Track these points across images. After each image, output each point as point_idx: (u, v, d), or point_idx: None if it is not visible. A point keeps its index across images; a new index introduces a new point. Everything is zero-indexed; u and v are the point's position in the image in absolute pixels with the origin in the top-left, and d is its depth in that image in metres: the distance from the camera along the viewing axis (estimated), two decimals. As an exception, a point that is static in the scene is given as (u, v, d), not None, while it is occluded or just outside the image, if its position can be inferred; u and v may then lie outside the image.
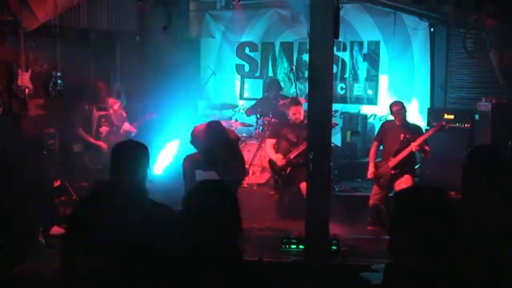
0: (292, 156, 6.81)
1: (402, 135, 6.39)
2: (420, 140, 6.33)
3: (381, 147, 6.80)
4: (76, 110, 7.03)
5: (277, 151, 7.03)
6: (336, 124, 7.57)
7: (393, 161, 6.33)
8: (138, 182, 2.94)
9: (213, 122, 7.00)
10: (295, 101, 7.13)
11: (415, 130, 6.60)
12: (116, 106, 7.10)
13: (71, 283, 2.86)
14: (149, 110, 7.96)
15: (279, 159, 6.88)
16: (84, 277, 2.80)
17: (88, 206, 2.95)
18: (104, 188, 3.03)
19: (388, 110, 6.82)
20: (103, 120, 6.99)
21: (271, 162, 7.12)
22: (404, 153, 6.32)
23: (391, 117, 6.73)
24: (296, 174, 6.69)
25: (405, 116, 6.59)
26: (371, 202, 6.50)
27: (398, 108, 6.55)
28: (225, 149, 6.56)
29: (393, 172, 6.32)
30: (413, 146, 6.27)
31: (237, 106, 9.52)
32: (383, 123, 7.06)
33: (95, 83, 7.15)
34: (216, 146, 6.52)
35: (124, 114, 7.20)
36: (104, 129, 6.98)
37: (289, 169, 6.84)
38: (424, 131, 6.92)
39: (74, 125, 6.97)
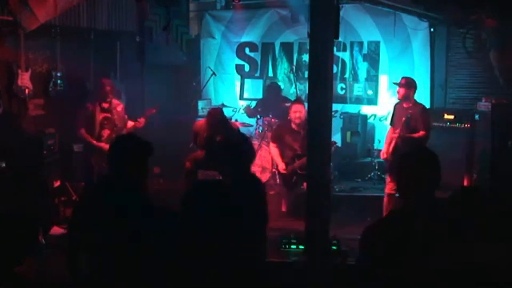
0: (296, 166, 6.79)
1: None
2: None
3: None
4: (78, 111, 6.92)
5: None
6: (335, 143, 7.61)
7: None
8: (137, 178, 2.91)
9: (214, 110, 7.00)
10: (297, 100, 7.11)
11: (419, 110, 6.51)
12: (119, 108, 6.97)
13: (76, 281, 2.86)
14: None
15: (281, 168, 6.92)
16: (87, 274, 2.80)
17: (88, 204, 2.95)
18: (103, 185, 3.03)
19: (388, 110, 6.80)
20: (105, 122, 6.84)
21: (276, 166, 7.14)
22: (415, 135, 6.27)
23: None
24: (301, 180, 6.68)
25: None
26: (386, 190, 6.43)
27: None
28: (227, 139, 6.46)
29: None
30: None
31: (236, 108, 9.38)
32: (394, 106, 6.90)
33: (101, 79, 6.98)
34: (218, 135, 6.37)
35: (126, 116, 7.08)
36: (106, 132, 6.83)
37: (294, 178, 6.83)
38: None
39: (76, 126, 6.83)
